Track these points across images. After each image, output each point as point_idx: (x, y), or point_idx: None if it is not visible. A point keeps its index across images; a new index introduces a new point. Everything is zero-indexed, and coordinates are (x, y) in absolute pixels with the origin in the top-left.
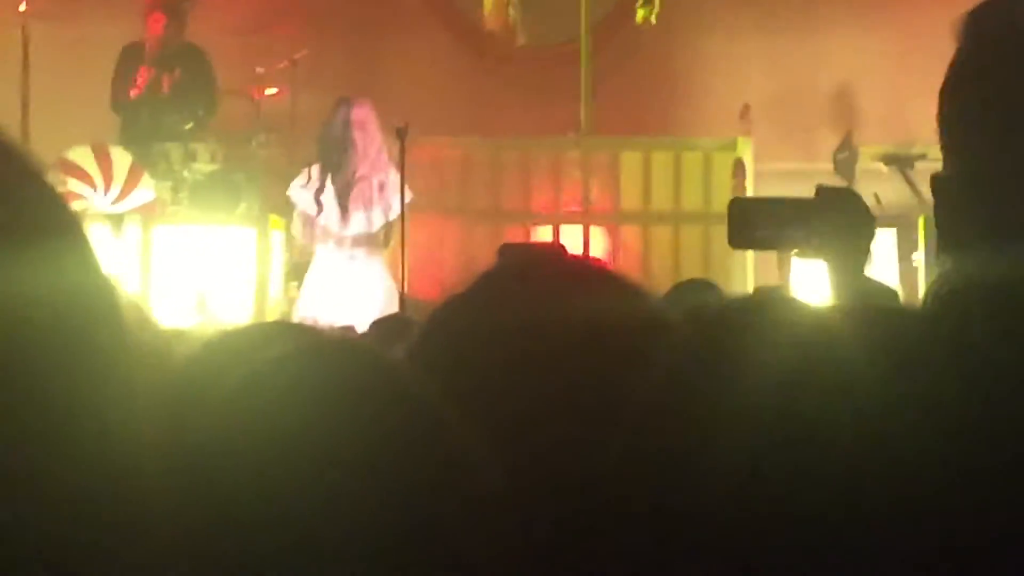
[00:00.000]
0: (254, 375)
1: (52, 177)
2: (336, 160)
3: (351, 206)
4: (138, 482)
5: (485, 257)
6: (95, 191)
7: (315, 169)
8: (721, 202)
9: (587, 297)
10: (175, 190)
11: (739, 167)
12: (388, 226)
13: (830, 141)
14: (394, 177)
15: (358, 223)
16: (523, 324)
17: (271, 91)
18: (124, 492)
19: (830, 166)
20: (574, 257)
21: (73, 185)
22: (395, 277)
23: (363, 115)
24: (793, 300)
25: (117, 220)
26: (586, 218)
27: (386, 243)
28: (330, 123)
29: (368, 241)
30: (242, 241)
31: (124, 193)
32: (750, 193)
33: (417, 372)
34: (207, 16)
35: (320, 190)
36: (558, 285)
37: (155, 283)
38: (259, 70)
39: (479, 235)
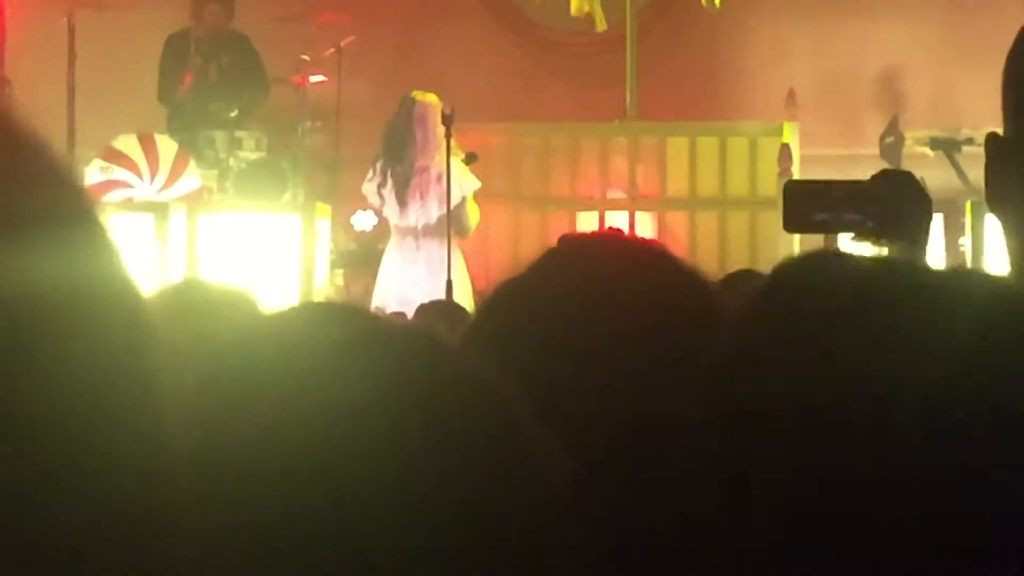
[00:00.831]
0: (304, 364)
1: (71, 166)
2: (396, 153)
3: (409, 197)
4: (164, 483)
5: (531, 243)
6: (141, 179)
7: (379, 163)
8: (767, 187)
9: (649, 273)
10: (221, 178)
11: (785, 152)
12: (455, 213)
13: (876, 126)
14: (454, 168)
15: (416, 213)
16: (585, 300)
17: (317, 79)
18: (151, 492)
19: (876, 151)
20: (634, 238)
21: (119, 173)
22: (457, 265)
23: (424, 110)
24: (852, 257)
25: (163, 208)
26: (632, 204)
27: (460, 232)
28: (393, 118)
29: (432, 231)
30: (287, 229)
31: (170, 181)
32: (796, 177)
33: (475, 356)
34: (254, 4)
35: (382, 183)
36: (619, 262)
37: (200, 271)
38: (305, 58)
39: (526, 221)
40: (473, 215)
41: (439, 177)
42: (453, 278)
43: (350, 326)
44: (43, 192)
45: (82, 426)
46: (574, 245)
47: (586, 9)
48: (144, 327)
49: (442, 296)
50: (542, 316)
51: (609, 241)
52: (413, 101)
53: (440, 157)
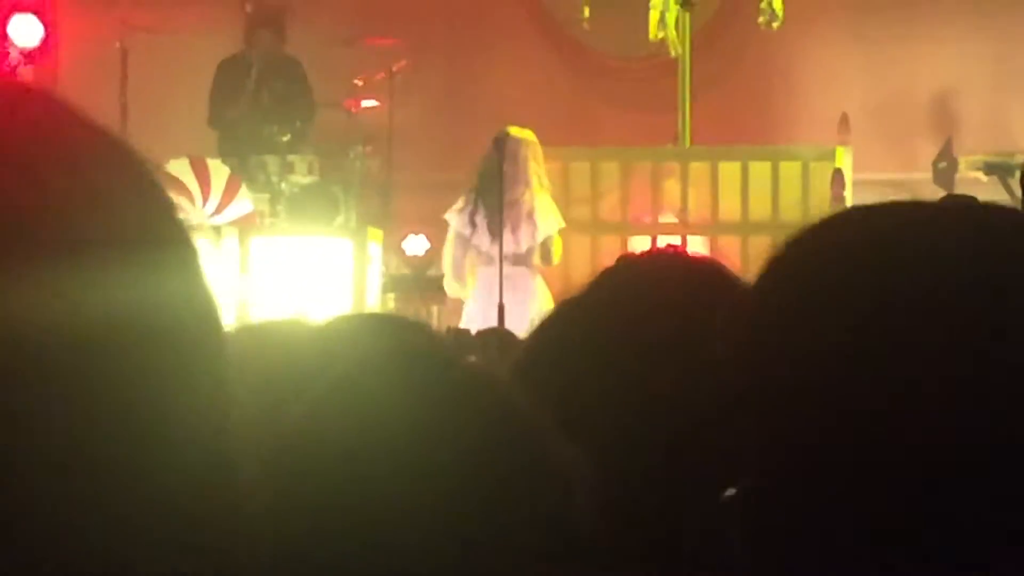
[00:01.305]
0: (346, 377)
1: (166, 187)
2: (488, 185)
3: (501, 228)
4: (232, 490)
5: (582, 268)
6: (193, 204)
7: (472, 194)
8: (819, 212)
9: (704, 286)
10: (273, 202)
11: (838, 177)
12: (542, 246)
13: (929, 150)
14: (542, 202)
15: (508, 244)
16: (642, 313)
17: (369, 103)
18: (218, 498)
19: (929, 175)
20: (689, 255)
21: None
22: (541, 291)
23: (515, 145)
24: None
25: (215, 232)
26: (684, 228)
27: (545, 262)
28: (488, 151)
29: (521, 260)
30: (339, 253)
31: (222, 205)
32: (848, 203)
33: (518, 385)
34: (305, 28)
35: (475, 212)
36: (675, 277)
37: (253, 295)
38: (357, 82)
39: (576, 245)
40: (558, 249)
41: (529, 213)
42: (540, 304)
43: (388, 342)
44: (141, 211)
45: (160, 454)
46: (631, 263)
47: (661, 35)
48: (225, 354)
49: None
50: (599, 330)
51: (666, 258)
52: (506, 136)
53: (529, 192)
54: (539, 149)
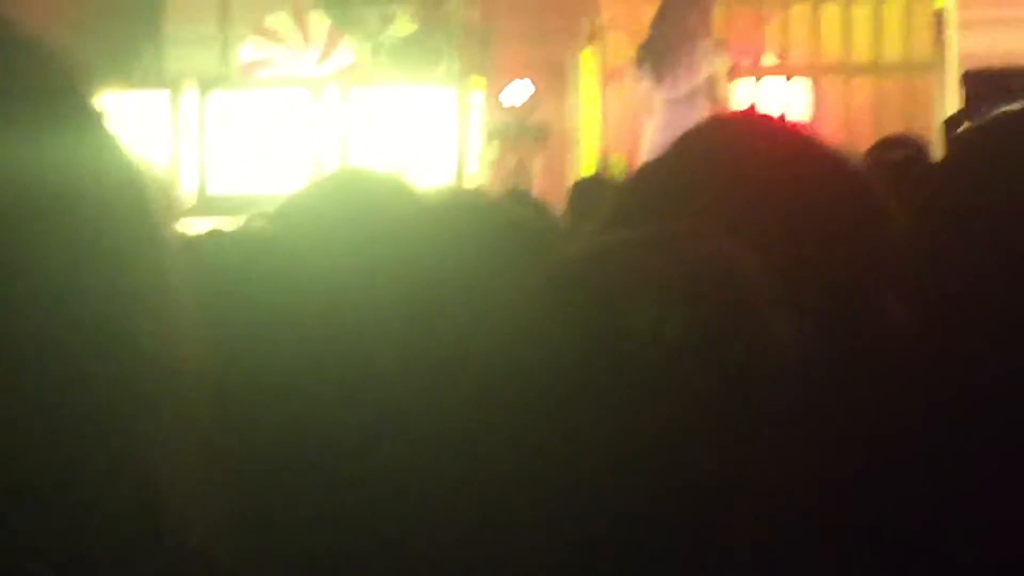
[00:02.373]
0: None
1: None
2: (657, 32)
3: (664, 70)
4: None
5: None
6: (294, 56)
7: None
8: (922, 53)
9: (789, 156)
10: (374, 53)
11: (940, 17)
12: (709, 82)
13: None
14: (703, 44)
15: (669, 84)
16: (723, 181)
17: None
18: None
19: None
20: (774, 120)
21: (273, 51)
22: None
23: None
24: None
25: (317, 84)
26: (786, 70)
27: (713, 99)
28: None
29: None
30: (441, 103)
31: (323, 57)
32: (954, 43)
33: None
34: None
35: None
36: (757, 145)
37: (354, 147)
38: None
39: None
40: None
41: (690, 52)
42: None
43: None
44: (22, 70)
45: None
46: (713, 127)
47: None
48: (150, 221)
49: None
50: (677, 198)
51: (749, 122)
52: None
53: (692, 35)
54: None
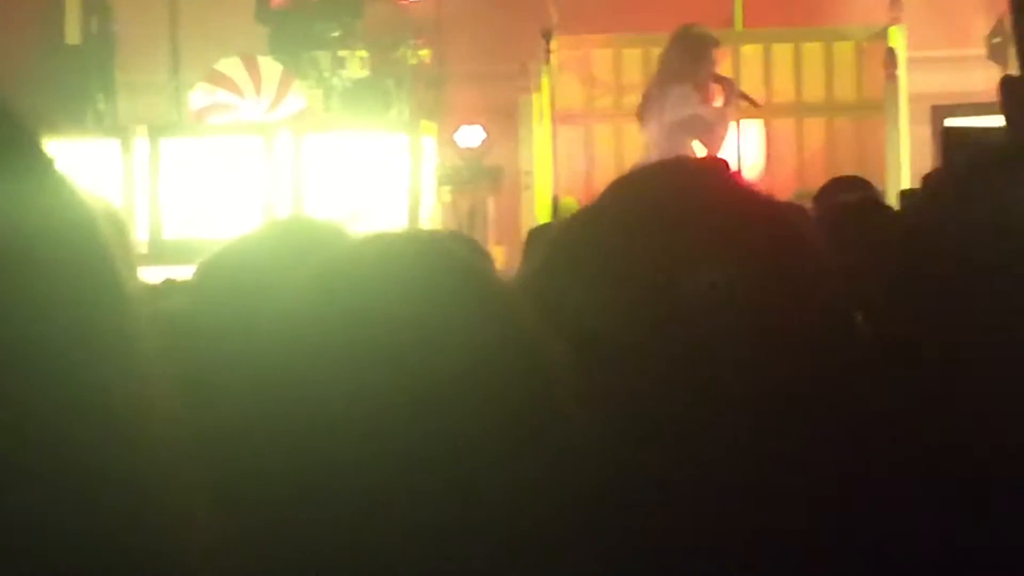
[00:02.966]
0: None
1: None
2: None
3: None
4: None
5: (635, 157)
6: (246, 101)
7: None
8: (873, 92)
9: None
10: (326, 98)
11: (891, 56)
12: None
13: (983, 26)
14: (679, 89)
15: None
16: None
17: None
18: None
19: (983, 51)
20: (701, 164)
21: (224, 96)
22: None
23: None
24: None
25: (269, 129)
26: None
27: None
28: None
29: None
30: (393, 147)
31: (275, 102)
32: (902, 82)
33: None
34: None
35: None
36: (678, 188)
37: (307, 193)
38: None
39: (630, 134)
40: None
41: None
42: None
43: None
44: None
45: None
46: (639, 174)
47: None
48: (109, 267)
49: None
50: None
51: (675, 169)
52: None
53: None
54: None
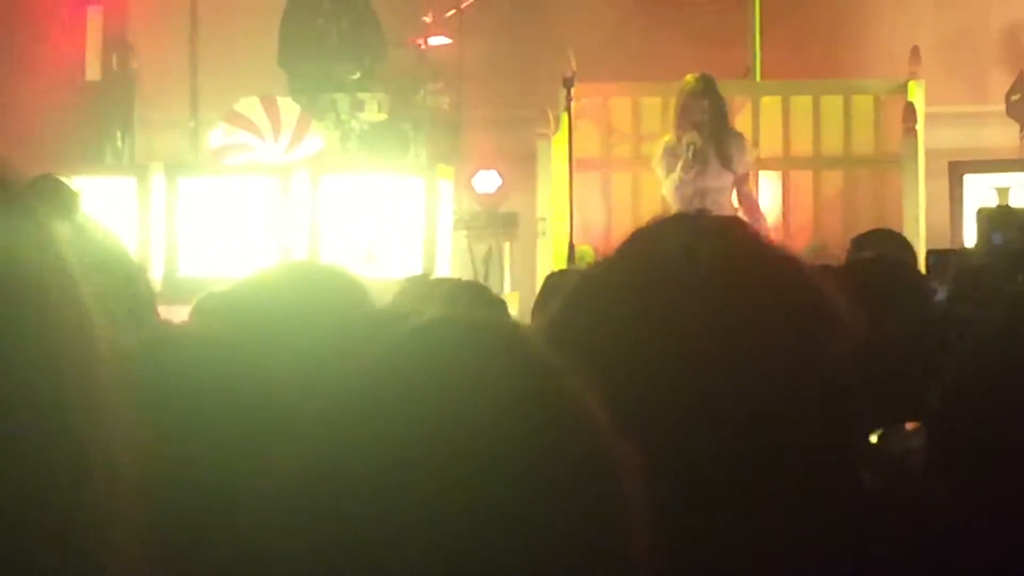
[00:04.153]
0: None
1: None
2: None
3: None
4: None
5: (655, 204)
6: (264, 142)
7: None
8: (892, 146)
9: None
10: (343, 140)
11: (909, 110)
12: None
13: (1002, 82)
14: (736, 139)
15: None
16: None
17: (438, 40)
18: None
19: (1002, 107)
20: (715, 220)
21: (242, 136)
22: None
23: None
24: None
25: (287, 170)
26: (756, 164)
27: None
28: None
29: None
30: (410, 190)
31: (293, 143)
32: (920, 136)
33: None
34: None
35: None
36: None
37: (323, 234)
38: (426, 19)
39: (646, 183)
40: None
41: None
42: None
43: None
44: None
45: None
46: (653, 228)
47: None
48: (79, 312)
49: None
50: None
51: (687, 224)
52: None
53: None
54: None
